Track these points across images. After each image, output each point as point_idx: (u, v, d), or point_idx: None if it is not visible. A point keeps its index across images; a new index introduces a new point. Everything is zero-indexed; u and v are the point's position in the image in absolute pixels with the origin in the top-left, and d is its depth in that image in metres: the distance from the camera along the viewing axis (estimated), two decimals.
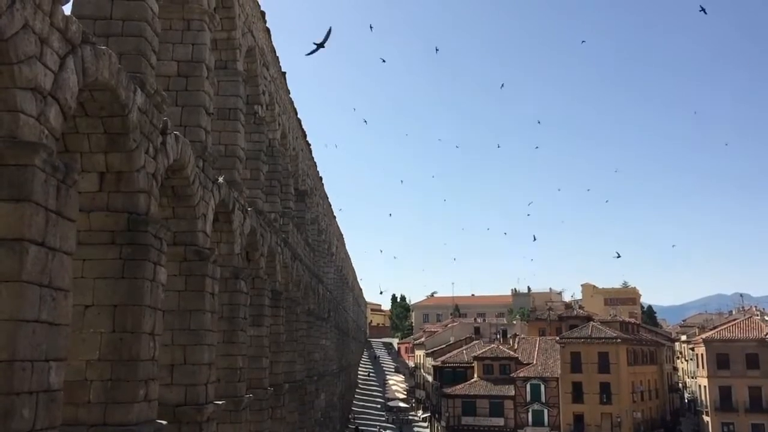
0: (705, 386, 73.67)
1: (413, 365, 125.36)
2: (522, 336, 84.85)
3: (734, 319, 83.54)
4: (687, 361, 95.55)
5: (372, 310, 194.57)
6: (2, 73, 9.32)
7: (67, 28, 10.67)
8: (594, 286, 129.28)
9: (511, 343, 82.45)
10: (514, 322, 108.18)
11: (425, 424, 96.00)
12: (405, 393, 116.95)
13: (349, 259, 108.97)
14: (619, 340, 70.55)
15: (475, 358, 77.05)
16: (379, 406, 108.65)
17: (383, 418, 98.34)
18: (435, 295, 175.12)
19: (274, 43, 31.38)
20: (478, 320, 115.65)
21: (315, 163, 53.19)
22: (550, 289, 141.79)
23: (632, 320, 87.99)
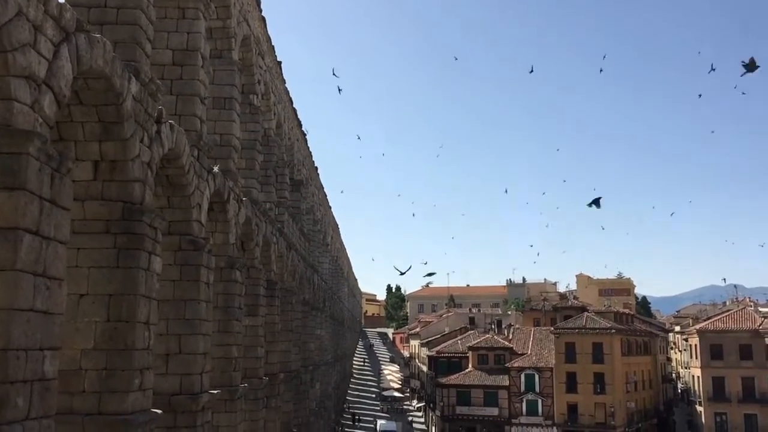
0: (698, 377, 74.11)
1: (408, 355, 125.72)
2: (517, 326, 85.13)
3: (728, 310, 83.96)
4: (681, 351, 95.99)
5: (367, 300, 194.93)
6: None
7: (61, 15, 10.60)
8: (589, 277, 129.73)
9: (505, 333, 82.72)
10: (509, 312, 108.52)
11: (420, 414, 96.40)
12: (400, 383, 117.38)
13: (345, 249, 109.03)
14: (613, 331, 70.83)
15: (470, 348, 77.30)
16: (374, 395, 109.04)
17: (378, 408, 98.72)
18: (430, 286, 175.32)
19: (269, 32, 31.27)
20: (473, 310, 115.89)
21: (311, 152, 53.10)
22: (545, 279, 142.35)
23: (626, 311, 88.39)
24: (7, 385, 8.97)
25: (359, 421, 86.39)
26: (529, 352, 74.42)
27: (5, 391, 8.94)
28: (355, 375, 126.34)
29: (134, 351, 13.58)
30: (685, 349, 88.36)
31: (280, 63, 35.15)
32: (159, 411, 14.95)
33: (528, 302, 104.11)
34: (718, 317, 78.93)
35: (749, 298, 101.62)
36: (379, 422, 79.27)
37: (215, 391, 19.50)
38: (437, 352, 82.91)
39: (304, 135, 47.72)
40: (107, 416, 13.15)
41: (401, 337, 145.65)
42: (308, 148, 51.19)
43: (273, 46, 32.73)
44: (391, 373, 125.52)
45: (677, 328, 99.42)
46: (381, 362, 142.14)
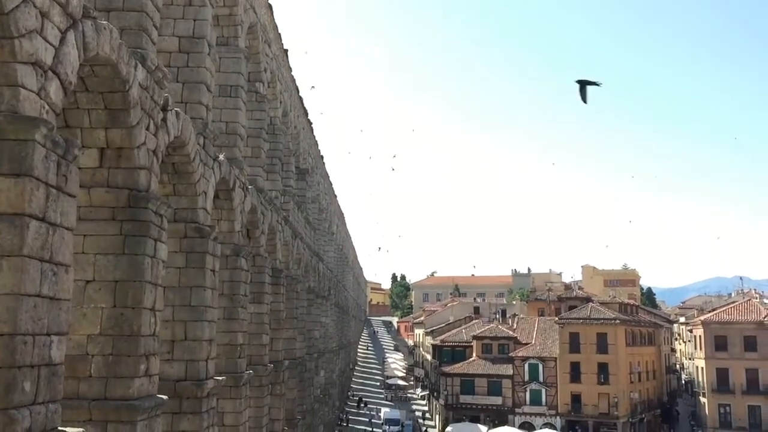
0: (702, 368, 74.06)
1: (412, 344, 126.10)
2: (521, 316, 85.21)
3: (733, 302, 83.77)
4: (685, 342, 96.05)
5: (372, 288, 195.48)
6: (3, 47, 9.27)
7: (67, 2, 10.59)
8: (594, 268, 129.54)
9: (510, 323, 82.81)
10: (514, 302, 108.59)
11: (424, 402, 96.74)
12: (404, 371, 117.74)
13: (350, 237, 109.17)
14: (617, 321, 70.82)
15: (474, 337, 77.43)
16: (378, 383, 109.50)
17: (382, 396, 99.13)
18: (435, 275, 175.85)
19: (276, 20, 31.20)
20: (478, 300, 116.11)
21: (316, 141, 53.10)
22: (550, 270, 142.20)
23: (631, 302, 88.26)
24: (14, 369, 9.04)
25: (365, 405, 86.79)
26: (533, 342, 74.51)
27: (12, 375, 9.02)
28: (359, 363, 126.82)
29: (140, 337, 13.67)
30: (689, 340, 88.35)
31: (286, 51, 35.09)
32: (164, 397, 15.06)
33: (533, 292, 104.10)
34: (724, 309, 78.79)
35: (755, 290, 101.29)
36: (384, 410, 79.55)
37: (220, 378, 19.63)
38: (441, 341, 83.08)
39: (310, 123, 47.71)
40: (113, 401, 13.27)
41: (406, 326, 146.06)
42: (314, 136, 51.18)
43: (279, 34, 32.67)
44: (396, 362, 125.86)
45: (682, 319, 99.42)
46: (385, 350, 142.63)
